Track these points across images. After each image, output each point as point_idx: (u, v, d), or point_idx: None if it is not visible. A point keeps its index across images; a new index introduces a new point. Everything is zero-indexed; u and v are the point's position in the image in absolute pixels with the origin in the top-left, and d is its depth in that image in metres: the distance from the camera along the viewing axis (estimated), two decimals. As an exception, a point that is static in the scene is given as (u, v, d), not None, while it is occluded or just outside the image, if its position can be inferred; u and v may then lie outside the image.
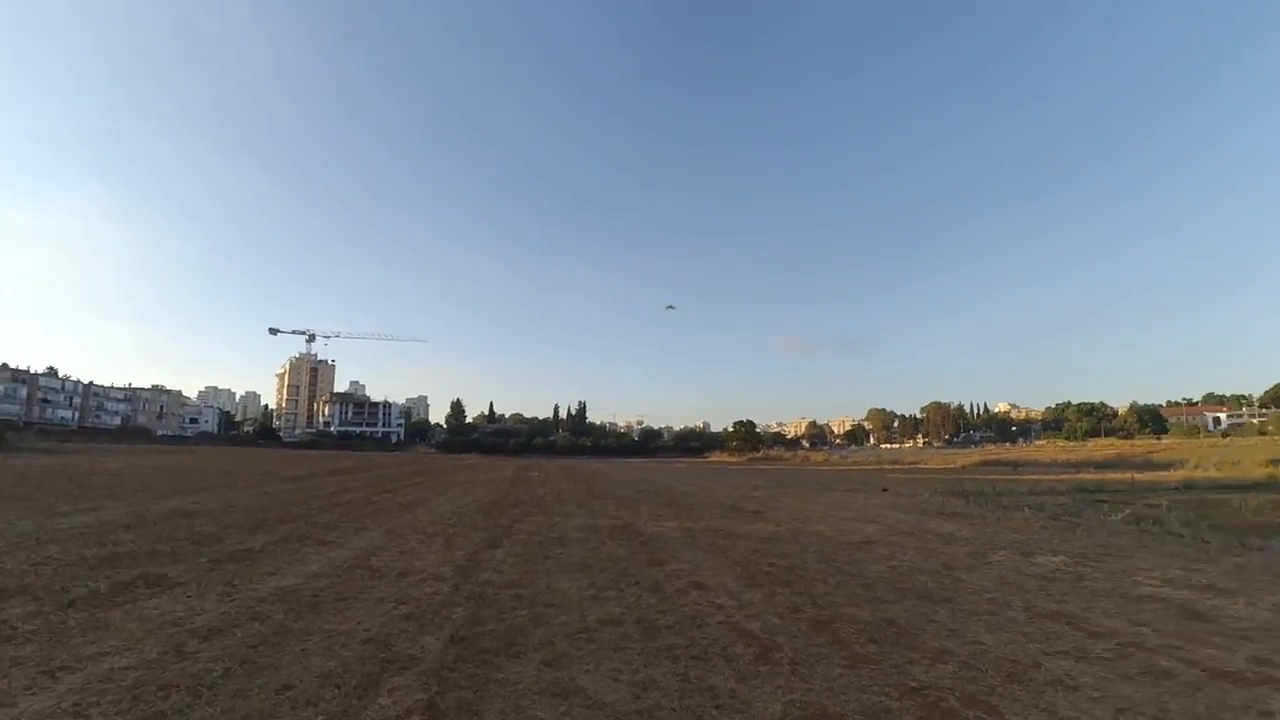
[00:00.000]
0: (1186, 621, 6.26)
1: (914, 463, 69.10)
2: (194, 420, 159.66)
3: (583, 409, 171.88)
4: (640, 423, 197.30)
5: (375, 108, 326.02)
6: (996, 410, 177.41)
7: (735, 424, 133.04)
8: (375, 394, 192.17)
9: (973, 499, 20.24)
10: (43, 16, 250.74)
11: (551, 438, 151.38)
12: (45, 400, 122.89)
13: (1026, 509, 17.02)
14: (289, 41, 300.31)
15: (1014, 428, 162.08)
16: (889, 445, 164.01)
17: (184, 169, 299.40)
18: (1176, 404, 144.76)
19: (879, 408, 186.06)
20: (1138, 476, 34.41)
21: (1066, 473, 42.72)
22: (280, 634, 5.38)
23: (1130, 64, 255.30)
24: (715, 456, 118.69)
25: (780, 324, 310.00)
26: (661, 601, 6.80)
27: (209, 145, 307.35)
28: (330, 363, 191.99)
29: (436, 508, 16.56)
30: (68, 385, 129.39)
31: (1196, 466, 40.63)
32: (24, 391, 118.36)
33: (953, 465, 59.98)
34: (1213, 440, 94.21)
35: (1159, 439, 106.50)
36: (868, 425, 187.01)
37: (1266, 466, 36.28)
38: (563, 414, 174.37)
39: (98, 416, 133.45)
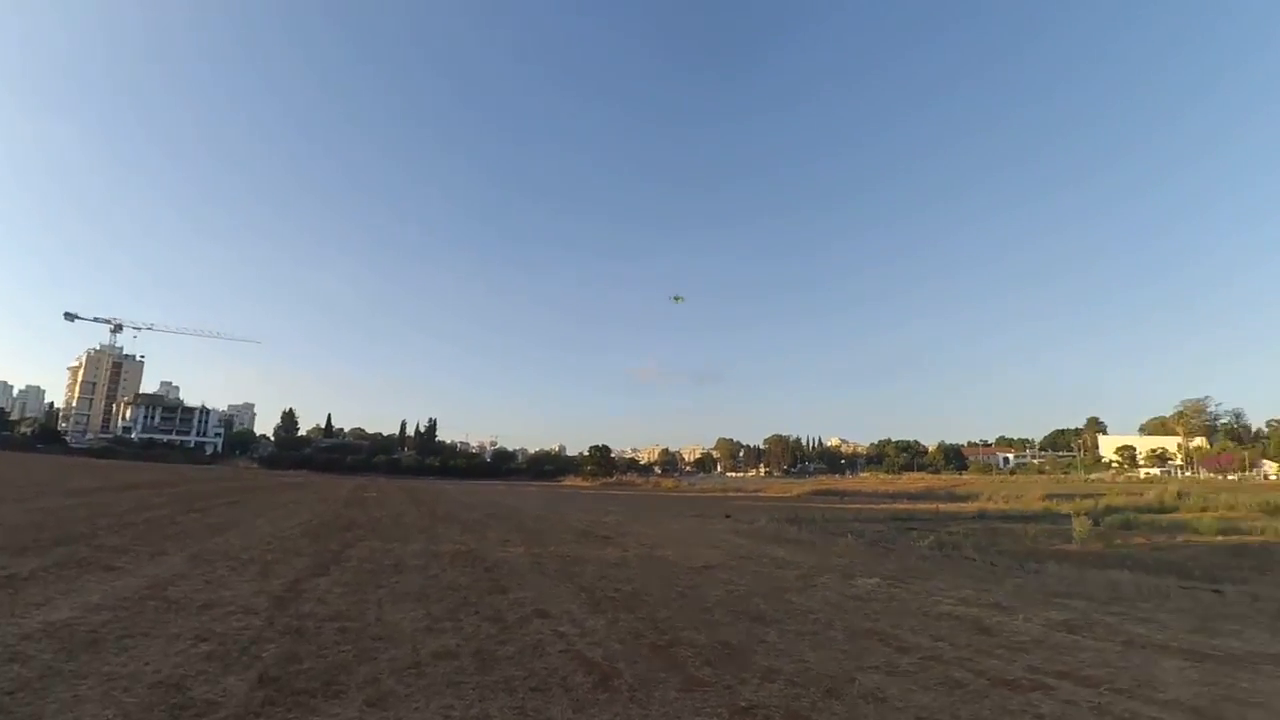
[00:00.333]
0: (976, 636, 7.08)
1: (755, 491, 72.98)
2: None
3: (432, 426, 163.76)
4: (494, 443, 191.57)
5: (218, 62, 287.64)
6: (829, 444, 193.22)
7: (591, 448, 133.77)
8: (192, 398, 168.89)
9: (805, 526, 21.71)
10: None
11: (396, 456, 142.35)
12: None
13: (850, 535, 18.52)
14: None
15: (843, 460, 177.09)
16: (734, 473, 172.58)
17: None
18: (975, 444, 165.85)
19: (727, 438, 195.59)
20: (942, 507, 38.82)
21: (884, 502, 47.09)
22: (46, 678, 4.55)
23: (972, 161, 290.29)
24: (569, 481, 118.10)
25: (640, 352, 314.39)
26: (502, 631, 6.56)
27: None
28: (139, 359, 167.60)
29: (254, 530, 14.92)
30: None
31: (989, 499, 46.40)
32: None
33: (789, 494, 64.04)
34: (1002, 477, 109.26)
35: (960, 474, 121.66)
36: (716, 454, 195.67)
37: (1043, 500, 42.39)
38: (410, 431, 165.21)
39: None
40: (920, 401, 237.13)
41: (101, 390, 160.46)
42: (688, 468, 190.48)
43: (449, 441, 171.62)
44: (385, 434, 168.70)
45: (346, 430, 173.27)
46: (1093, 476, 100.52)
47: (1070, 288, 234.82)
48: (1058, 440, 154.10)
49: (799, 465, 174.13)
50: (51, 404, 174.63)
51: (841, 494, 62.56)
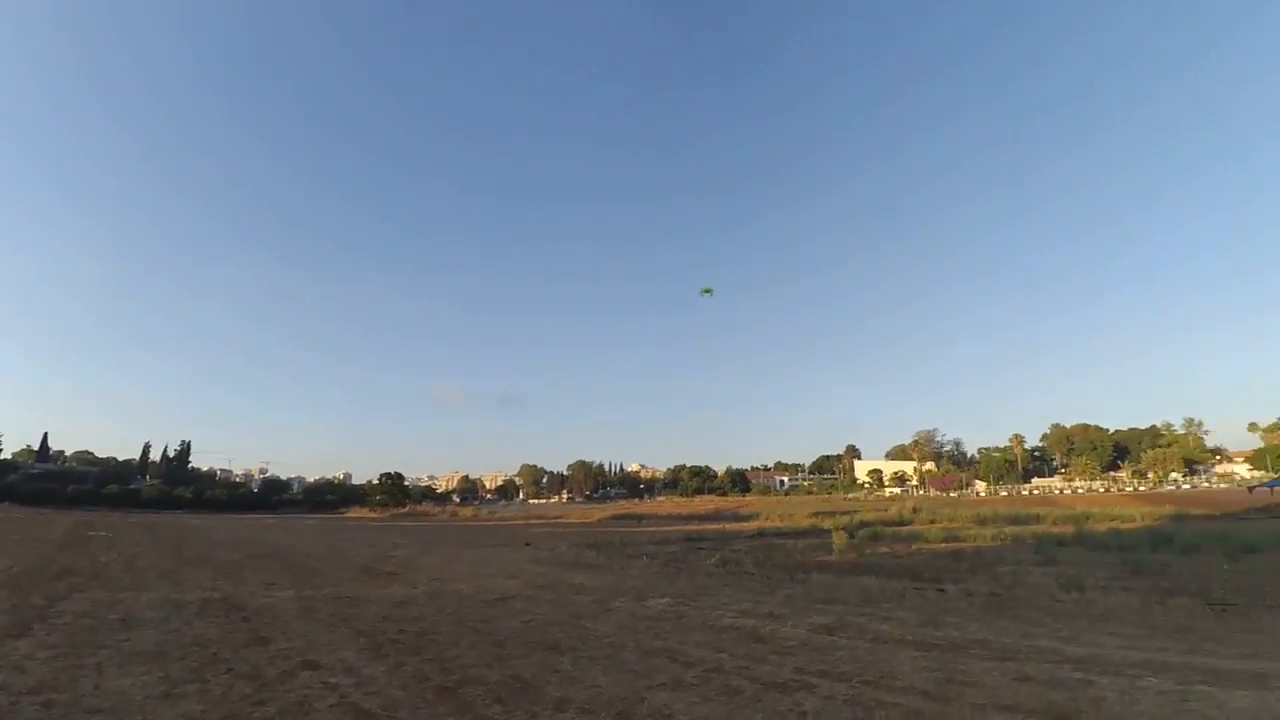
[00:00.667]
0: (753, 644, 7.63)
1: (557, 517, 72.87)
2: None
3: (185, 450, 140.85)
4: (264, 471, 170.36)
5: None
6: (630, 469, 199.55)
7: (381, 476, 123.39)
8: None
9: (604, 550, 22.05)
10: None
11: (134, 486, 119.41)
12: None
13: (645, 558, 19.17)
14: None
15: (642, 485, 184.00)
16: (537, 500, 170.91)
17: None
18: (757, 469, 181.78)
19: (531, 463, 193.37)
20: (728, 527, 41.90)
21: (679, 524, 49.57)
22: None
23: (814, 172, 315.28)
24: (355, 512, 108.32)
25: (443, 372, 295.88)
26: (260, 690, 5.74)
27: None
28: None
29: (-84, 590, 11.63)
30: None
31: (767, 518, 50.84)
32: None
33: (590, 519, 64.80)
34: (779, 498, 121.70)
35: (745, 496, 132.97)
36: (519, 480, 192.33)
37: (811, 518, 47.45)
38: (156, 455, 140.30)
39: None
40: (712, 429, 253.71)
41: None
42: (489, 495, 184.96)
43: (206, 469, 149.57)
44: (122, 459, 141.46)
45: (68, 453, 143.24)
46: (850, 496, 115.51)
47: (831, 345, 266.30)
48: (823, 464, 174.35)
49: (601, 491, 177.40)
50: None
51: (640, 518, 64.66)
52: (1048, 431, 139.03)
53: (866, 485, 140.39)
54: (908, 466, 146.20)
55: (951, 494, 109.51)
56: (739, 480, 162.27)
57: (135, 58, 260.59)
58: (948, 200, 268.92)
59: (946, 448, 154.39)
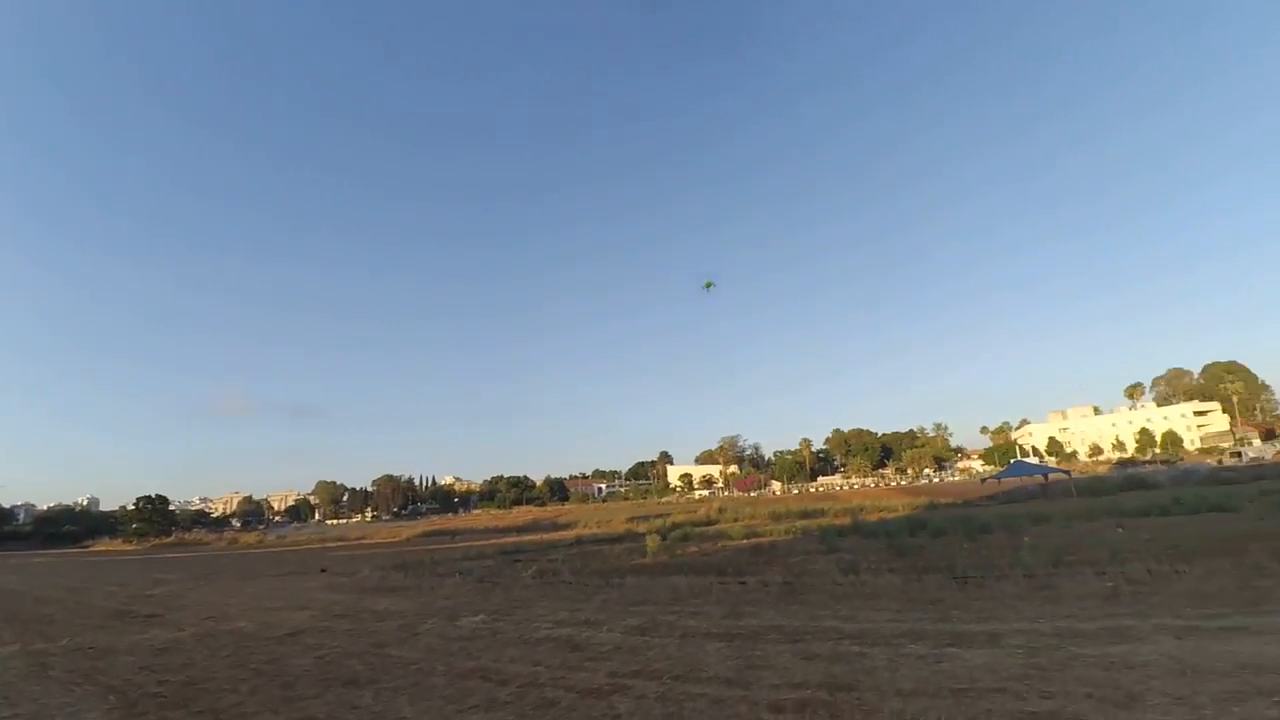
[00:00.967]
0: (569, 653, 7.60)
1: (359, 538, 67.33)
2: None
3: None
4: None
5: None
6: (443, 482, 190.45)
7: (139, 501, 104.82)
8: None
9: (412, 571, 20.74)
10: None
11: None
12: None
13: (458, 575, 18.34)
14: None
15: (456, 499, 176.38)
16: (336, 520, 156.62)
17: None
18: (576, 477, 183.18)
19: (329, 480, 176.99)
20: (546, 537, 41.55)
21: (495, 537, 48.26)
22: None
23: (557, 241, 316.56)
24: (104, 545, 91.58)
25: (222, 377, 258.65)
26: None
27: None
28: None
29: None
30: None
31: (584, 526, 51.32)
32: None
33: (398, 538, 60.77)
34: (597, 505, 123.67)
35: (563, 505, 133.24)
36: (314, 500, 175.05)
37: (627, 523, 48.71)
38: None
39: None
40: (530, 439, 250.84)
41: None
42: (278, 518, 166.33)
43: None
44: None
45: None
46: (664, 500, 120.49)
47: (645, 355, 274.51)
48: (639, 470, 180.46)
49: (411, 507, 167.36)
50: None
51: (454, 533, 61.92)
52: (830, 436, 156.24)
53: (678, 489, 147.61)
54: (715, 470, 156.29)
55: (752, 494, 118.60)
56: (558, 489, 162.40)
57: None
58: (753, 234, 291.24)
59: (748, 452, 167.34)
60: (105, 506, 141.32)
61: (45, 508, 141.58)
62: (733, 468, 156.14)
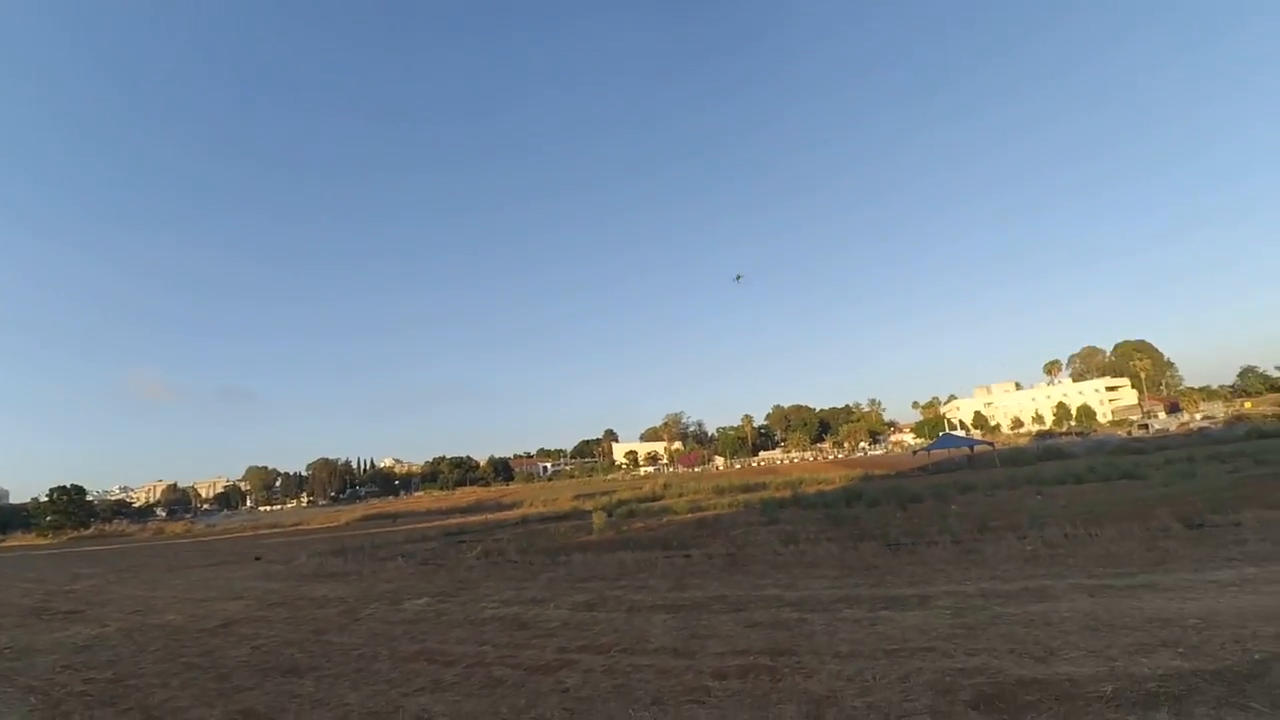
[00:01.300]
0: (516, 632, 7.58)
1: (295, 524, 65.22)
2: None
3: None
4: None
5: None
6: (383, 465, 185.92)
7: (52, 492, 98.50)
8: None
9: (352, 556, 20.23)
10: None
11: None
12: None
13: (401, 558, 17.99)
14: None
15: (397, 481, 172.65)
16: (269, 507, 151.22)
17: None
18: (520, 456, 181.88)
19: (261, 466, 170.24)
20: (491, 517, 41.21)
21: (439, 519, 47.48)
22: None
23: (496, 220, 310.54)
24: (16, 539, 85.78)
25: (139, 357, 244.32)
26: None
27: None
28: None
29: None
30: None
31: (530, 505, 51.16)
32: None
33: (337, 522, 59.21)
34: (542, 484, 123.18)
35: (508, 485, 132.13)
36: (245, 486, 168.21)
37: (573, 501, 48.80)
38: None
39: None
40: (473, 419, 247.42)
41: None
42: (206, 506, 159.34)
43: None
44: None
45: None
46: (609, 477, 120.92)
47: (590, 334, 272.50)
48: (584, 449, 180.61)
49: (349, 490, 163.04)
50: None
51: (395, 516, 60.74)
52: (770, 412, 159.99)
53: (624, 466, 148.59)
54: (660, 447, 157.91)
55: (696, 470, 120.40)
56: (502, 469, 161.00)
57: None
58: (695, 217, 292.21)
59: (692, 428, 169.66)
60: (16, 499, 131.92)
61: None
62: (677, 444, 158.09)
